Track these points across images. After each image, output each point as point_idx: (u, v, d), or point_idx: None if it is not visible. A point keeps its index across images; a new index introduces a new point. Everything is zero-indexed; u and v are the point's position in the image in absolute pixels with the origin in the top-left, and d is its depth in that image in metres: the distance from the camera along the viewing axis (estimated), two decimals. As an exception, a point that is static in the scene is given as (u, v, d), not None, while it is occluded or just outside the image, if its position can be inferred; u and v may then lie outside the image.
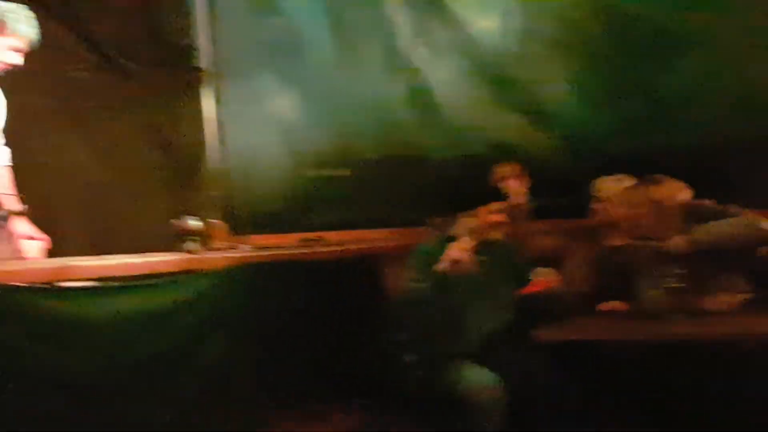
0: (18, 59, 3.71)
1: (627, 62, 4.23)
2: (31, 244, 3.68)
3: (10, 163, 3.83)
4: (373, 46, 4.86)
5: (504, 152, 4.36)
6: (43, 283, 2.73)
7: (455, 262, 3.05)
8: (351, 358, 3.71)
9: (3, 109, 3.86)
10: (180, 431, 2.94)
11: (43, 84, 4.10)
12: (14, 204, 3.58)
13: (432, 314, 3.20)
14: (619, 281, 3.32)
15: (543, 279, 3.24)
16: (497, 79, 4.53)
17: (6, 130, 3.65)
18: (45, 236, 3.69)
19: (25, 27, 3.72)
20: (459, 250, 3.07)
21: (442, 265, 3.08)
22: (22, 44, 3.69)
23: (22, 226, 3.54)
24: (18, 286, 2.58)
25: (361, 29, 4.91)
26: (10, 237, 3.69)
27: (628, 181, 3.57)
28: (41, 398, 2.54)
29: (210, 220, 3.90)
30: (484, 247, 3.31)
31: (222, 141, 5.07)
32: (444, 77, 4.69)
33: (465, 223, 3.37)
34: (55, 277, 2.78)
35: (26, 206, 3.64)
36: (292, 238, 4.41)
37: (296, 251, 4.06)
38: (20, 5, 3.74)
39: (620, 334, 3.10)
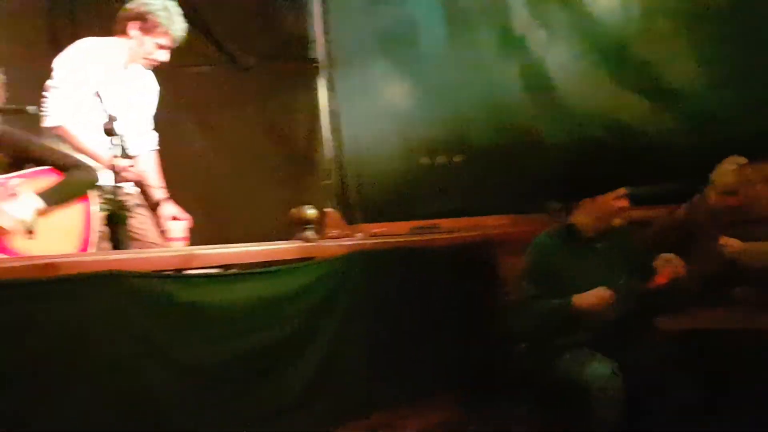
0: (165, 56, 3.90)
1: (756, 38, 4.02)
2: (176, 224, 3.94)
3: (157, 148, 4.06)
4: (487, 30, 4.85)
5: (623, 135, 4.28)
6: (170, 271, 2.80)
7: (592, 307, 3.04)
8: (463, 346, 3.69)
9: (155, 97, 4.11)
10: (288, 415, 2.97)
11: (165, 78, 4.25)
12: (160, 187, 3.93)
13: (548, 312, 3.18)
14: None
15: (669, 268, 3.12)
16: (618, 58, 4.41)
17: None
18: (188, 216, 3.92)
19: (177, 25, 3.90)
20: (599, 299, 3.03)
21: (576, 307, 3.05)
22: (171, 42, 3.88)
23: (168, 207, 3.83)
24: (147, 273, 2.64)
25: (476, 14, 4.91)
26: (158, 219, 3.97)
27: (742, 161, 3.46)
28: (162, 381, 2.61)
29: (325, 208, 3.98)
30: (604, 234, 3.30)
31: (336, 131, 5.23)
32: (561, 59, 4.62)
33: (588, 209, 3.32)
34: (182, 265, 2.86)
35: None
36: (405, 226, 4.48)
37: (409, 239, 4.10)
38: (171, 2, 3.90)
39: (745, 323, 3.00)
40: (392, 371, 3.41)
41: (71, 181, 3.56)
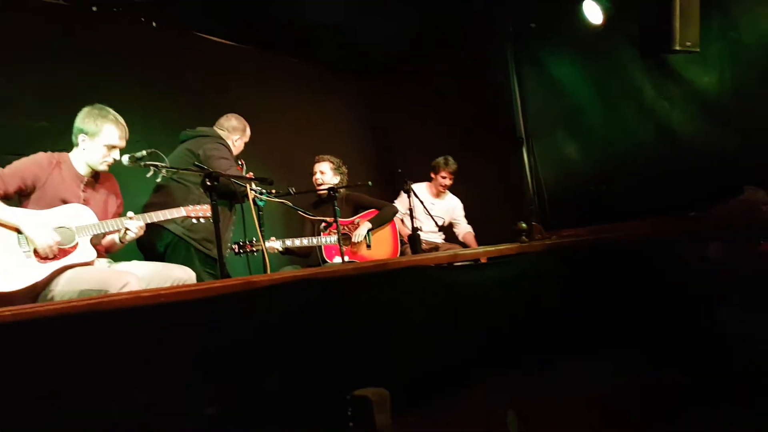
0: (448, 182, 4.85)
1: None
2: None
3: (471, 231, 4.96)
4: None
5: None
6: (444, 263, 3.05)
7: None
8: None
9: (457, 203, 5.03)
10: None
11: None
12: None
13: None
14: None
15: None
16: None
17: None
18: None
19: (451, 164, 4.78)
20: None
21: None
22: (449, 175, 4.82)
23: None
24: (432, 266, 2.88)
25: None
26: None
27: None
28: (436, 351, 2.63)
29: (532, 222, 4.07)
30: None
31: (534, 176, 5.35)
32: None
33: None
34: (451, 260, 3.11)
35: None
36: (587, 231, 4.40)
37: (588, 237, 4.00)
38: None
39: None
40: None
41: (383, 214, 4.22)
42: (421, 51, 5.82)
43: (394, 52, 5.83)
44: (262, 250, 3.28)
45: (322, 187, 4.10)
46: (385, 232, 4.33)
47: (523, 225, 3.67)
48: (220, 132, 3.74)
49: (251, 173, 3.43)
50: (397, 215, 4.48)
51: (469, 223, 5.09)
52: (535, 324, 3.06)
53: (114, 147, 2.90)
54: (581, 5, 4.78)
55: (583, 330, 3.09)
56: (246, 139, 3.90)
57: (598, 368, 2.73)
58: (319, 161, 4.28)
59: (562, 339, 3.04)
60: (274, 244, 3.77)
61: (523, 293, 3.16)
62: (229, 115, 3.87)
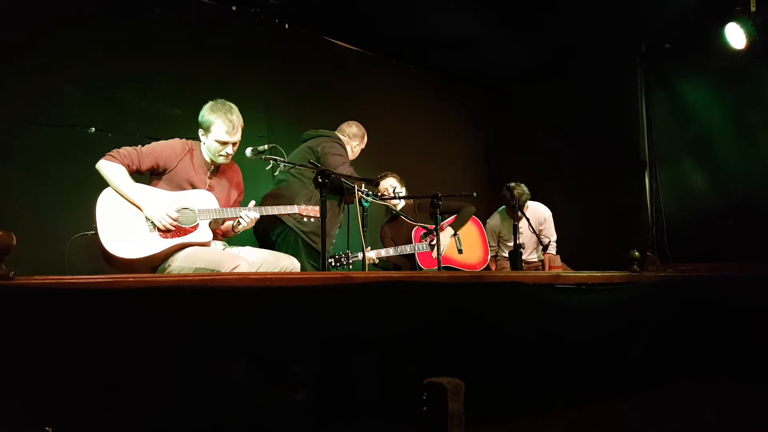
0: None
1: None
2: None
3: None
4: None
5: None
6: (545, 283, 2.98)
7: None
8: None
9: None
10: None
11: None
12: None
13: None
14: None
15: None
16: None
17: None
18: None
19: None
20: None
21: None
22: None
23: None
24: (531, 284, 2.84)
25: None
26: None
27: None
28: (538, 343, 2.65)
29: (647, 252, 4.01)
30: None
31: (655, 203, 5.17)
32: None
33: None
34: (552, 281, 3.03)
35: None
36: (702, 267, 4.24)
37: (699, 273, 3.86)
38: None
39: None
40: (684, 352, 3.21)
41: (462, 216, 4.20)
42: (544, 66, 5.80)
43: (517, 65, 5.84)
44: (362, 251, 3.32)
45: (396, 199, 4.14)
46: (474, 237, 4.31)
47: (636, 253, 3.49)
48: (340, 136, 3.91)
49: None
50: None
51: (572, 244, 4.96)
52: (630, 355, 3.02)
53: (225, 143, 3.02)
54: (723, 28, 4.65)
55: (678, 365, 3.05)
56: (363, 146, 4.06)
57: (685, 403, 2.69)
58: (384, 178, 4.29)
59: (654, 372, 3.01)
60: (370, 254, 3.81)
61: (623, 323, 3.08)
62: (351, 122, 4.04)
